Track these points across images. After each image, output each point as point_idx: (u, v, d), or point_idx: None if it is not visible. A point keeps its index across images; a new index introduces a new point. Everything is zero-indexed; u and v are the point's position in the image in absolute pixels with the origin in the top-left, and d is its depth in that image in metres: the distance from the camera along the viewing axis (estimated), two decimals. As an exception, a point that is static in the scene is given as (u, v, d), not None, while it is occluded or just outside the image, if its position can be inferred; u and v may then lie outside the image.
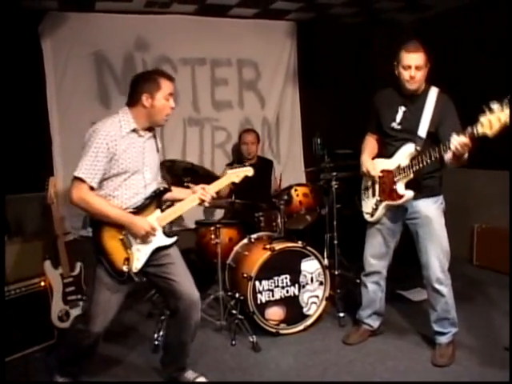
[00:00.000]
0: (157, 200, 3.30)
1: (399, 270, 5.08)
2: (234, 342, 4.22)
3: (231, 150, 6.36)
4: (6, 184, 4.90)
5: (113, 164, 3.11)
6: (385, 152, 3.92)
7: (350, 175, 4.76)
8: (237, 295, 4.45)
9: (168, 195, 3.44)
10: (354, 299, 4.30)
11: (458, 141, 3.18)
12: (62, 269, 4.25)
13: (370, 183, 4.01)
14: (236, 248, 4.84)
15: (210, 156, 6.25)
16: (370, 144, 4.09)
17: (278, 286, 4.38)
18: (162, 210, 3.33)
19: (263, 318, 4.33)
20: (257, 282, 4.30)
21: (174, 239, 3.34)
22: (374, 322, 4.23)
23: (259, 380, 3.73)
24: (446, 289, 3.78)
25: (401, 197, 3.72)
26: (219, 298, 4.48)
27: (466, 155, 3.35)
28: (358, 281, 4.35)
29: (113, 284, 3.20)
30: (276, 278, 4.38)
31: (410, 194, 3.69)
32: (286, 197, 4.90)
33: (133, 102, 3.21)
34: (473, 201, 5.95)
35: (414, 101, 3.71)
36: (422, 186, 3.72)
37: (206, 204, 3.45)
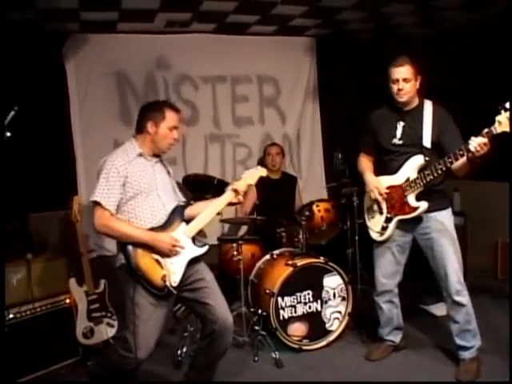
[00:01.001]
0: (179, 215, 3.36)
1: (422, 285, 5.08)
2: (256, 358, 4.23)
3: (256, 164, 6.36)
4: (32, 203, 5.00)
5: (127, 187, 3.21)
6: (386, 169, 3.93)
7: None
8: (259, 311, 4.45)
9: (190, 212, 3.47)
10: (377, 314, 4.28)
11: (477, 142, 3.21)
12: (87, 286, 4.31)
13: (373, 202, 4.01)
14: (258, 264, 4.84)
15: (231, 172, 6.28)
16: (368, 164, 4.11)
17: (300, 302, 4.39)
18: (188, 223, 3.37)
19: (286, 334, 4.33)
20: (279, 298, 4.31)
21: (205, 248, 3.39)
22: (396, 337, 4.21)
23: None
24: (465, 299, 3.77)
25: (415, 209, 3.72)
26: (242, 314, 4.47)
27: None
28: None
29: (154, 302, 3.20)
30: (298, 294, 4.38)
31: (424, 204, 3.69)
32: (307, 212, 4.91)
33: (139, 128, 3.37)
34: (496, 214, 5.90)
35: (411, 115, 3.76)
36: (431, 198, 3.72)
37: (240, 198, 3.46)
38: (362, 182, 4.12)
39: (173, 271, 3.23)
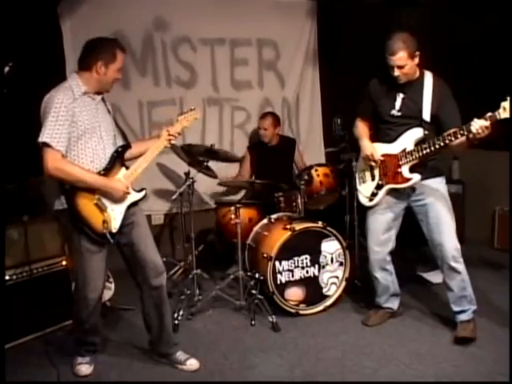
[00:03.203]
0: (120, 159, 3.38)
1: (419, 252, 5.08)
2: (253, 322, 4.24)
3: (251, 133, 6.33)
4: (30, 165, 4.93)
5: (73, 127, 3.16)
6: (382, 137, 3.92)
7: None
8: (256, 275, 4.44)
9: (131, 153, 3.51)
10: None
11: (479, 124, 3.25)
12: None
13: (367, 167, 4.00)
14: (256, 228, 4.83)
15: (229, 136, 6.22)
16: (365, 130, 4.09)
17: (297, 267, 4.38)
18: (127, 168, 3.40)
19: (283, 299, 4.33)
20: (277, 262, 4.30)
21: (142, 193, 3.45)
22: (393, 304, 4.22)
23: (279, 360, 3.73)
24: (461, 266, 3.78)
25: (407, 180, 3.74)
26: (239, 278, 4.47)
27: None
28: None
29: (95, 248, 3.30)
30: (296, 259, 4.37)
31: (417, 176, 3.71)
32: (306, 177, 4.88)
33: (85, 66, 3.27)
34: (494, 183, 5.88)
35: (412, 87, 3.73)
36: (425, 165, 3.74)
37: (173, 142, 3.62)
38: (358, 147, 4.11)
39: (113, 217, 3.29)
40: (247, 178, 5.51)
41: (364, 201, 4.05)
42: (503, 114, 3.18)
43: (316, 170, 5.02)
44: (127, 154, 3.46)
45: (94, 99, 3.31)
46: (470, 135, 3.32)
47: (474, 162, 5.87)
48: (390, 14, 6.25)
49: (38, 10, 5.19)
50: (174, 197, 4.59)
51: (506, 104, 3.17)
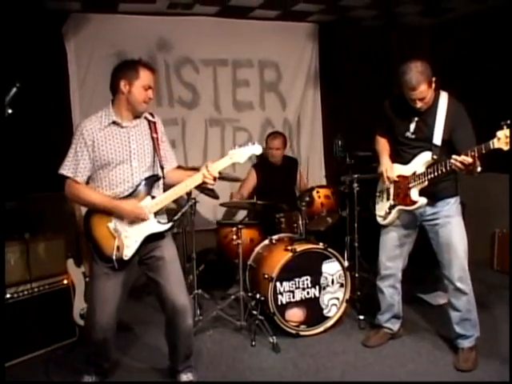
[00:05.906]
0: (146, 188, 3.28)
1: (419, 273, 5.09)
2: (253, 343, 4.23)
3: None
4: (30, 183, 4.96)
5: (96, 156, 3.19)
6: (398, 158, 3.95)
7: (371, 177, 4.75)
8: (257, 296, 4.45)
9: (169, 179, 3.42)
10: (374, 302, 4.29)
11: (459, 160, 3.32)
12: (84, 267, 4.28)
13: (385, 187, 4.04)
14: (257, 249, 4.84)
15: (231, 157, 6.23)
16: (385, 146, 4.11)
17: (298, 288, 4.39)
18: (154, 197, 3.29)
19: (283, 319, 4.33)
20: (278, 283, 4.31)
21: (167, 226, 3.32)
22: (394, 325, 4.22)
23: (279, 380, 3.73)
24: (467, 287, 3.79)
25: (414, 203, 3.76)
26: (240, 299, 4.49)
27: (479, 169, 3.41)
28: (378, 283, 4.34)
29: (108, 271, 3.24)
30: (297, 280, 4.38)
31: (423, 200, 3.73)
32: (307, 198, 4.90)
33: (113, 89, 3.26)
34: (494, 205, 5.91)
35: (426, 110, 3.72)
36: (440, 186, 3.74)
37: (209, 186, 3.39)
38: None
39: (126, 245, 3.23)
40: (246, 197, 5.52)
41: (379, 219, 4.09)
42: (497, 143, 3.14)
43: (317, 192, 5.05)
44: (170, 179, 3.42)
45: (125, 127, 3.26)
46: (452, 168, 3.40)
47: (473, 184, 5.89)
48: (387, 37, 6.33)
49: (43, 31, 5.27)
50: (176, 217, 4.59)
51: (500, 133, 3.13)
